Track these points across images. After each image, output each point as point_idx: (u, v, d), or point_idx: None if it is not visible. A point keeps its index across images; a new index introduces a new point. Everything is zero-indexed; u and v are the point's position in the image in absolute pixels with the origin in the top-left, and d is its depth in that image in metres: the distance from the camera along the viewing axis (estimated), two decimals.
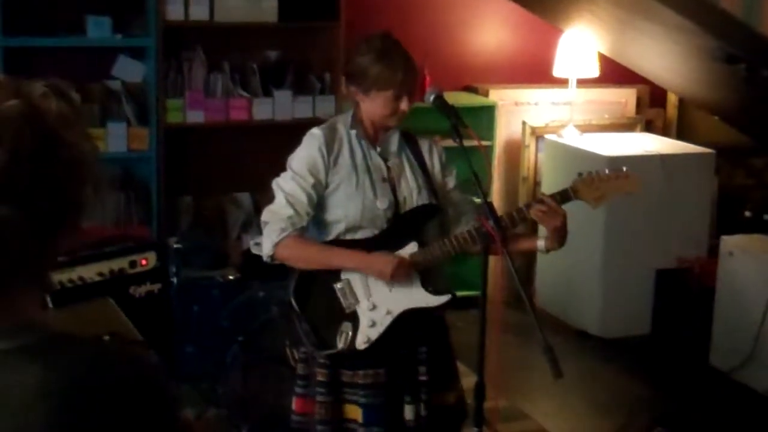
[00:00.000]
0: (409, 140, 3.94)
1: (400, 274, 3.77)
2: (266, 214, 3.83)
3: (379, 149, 3.87)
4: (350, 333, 3.80)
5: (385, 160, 3.87)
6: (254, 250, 3.95)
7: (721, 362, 6.34)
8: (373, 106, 3.78)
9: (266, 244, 3.78)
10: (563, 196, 3.79)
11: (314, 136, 3.83)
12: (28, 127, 1.44)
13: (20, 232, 1.44)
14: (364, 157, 3.84)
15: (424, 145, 3.96)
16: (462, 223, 3.92)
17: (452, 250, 3.79)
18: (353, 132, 3.84)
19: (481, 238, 3.66)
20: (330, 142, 3.81)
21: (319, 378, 3.85)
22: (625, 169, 3.87)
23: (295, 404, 3.98)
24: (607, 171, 3.85)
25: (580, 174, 3.84)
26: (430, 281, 3.86)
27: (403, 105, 3.75)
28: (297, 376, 3.97)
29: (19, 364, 1.44)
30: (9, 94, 1.46)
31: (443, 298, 3.86)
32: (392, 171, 3.87)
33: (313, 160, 3.79)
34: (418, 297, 3.84)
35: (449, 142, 3.95)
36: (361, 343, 3.80)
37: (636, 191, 3.86)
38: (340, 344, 3.79)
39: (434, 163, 3.94)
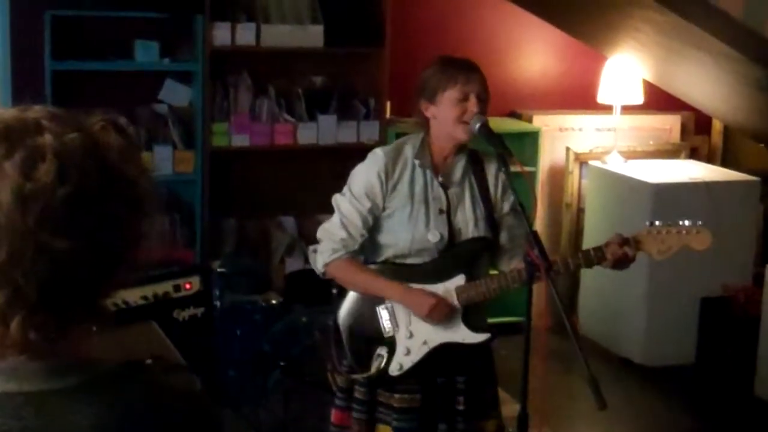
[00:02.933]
0: (476, 163, 3.92)
1: (436, 315, 3.79)
2: (321, 232, 3.90)
3: (441, 178, 3.86)
4: (385, 358, 3.84)
5: (446, 189, 3.86)
6: (310, 258, 4.03)
7: (765, 392, 6.27)
8: (441, 113, 3.79)
9: (318, 262, 3.88)
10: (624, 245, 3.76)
11: (377, 158, 3.85)
12: (91, 161, 1.43)
13: (82, 267, 1.42)
14: (425, 186, 3.83)
15: (490, 169, 3.92)
16: (513, 250, 3.91)
17: (498, 289, 3.80)
18: (417, 162, 3.84)
19: (527, 273, 3.63)
20: (392, 166, 3.82)
21: (357, 395, 3.90)
22: (699, 222, 3.81)
23: (333, 416, 4.02)
24: (679, 222, 3.79)
25: (651, 223, 3.80)
26: (472, 317, 3.87)
27: (471, 105, 3.75)
28: (338, 388, 4.00)
29: (74, 404, 1.42)
30: (69, 127, 1.45)
31: (481, 337, 3.87)
32: (451, 201, 3.86)
33: (371, 184, 3.82)
34: (456, 332, 3.85)
35: None
36: (394, 370, 3.84)
37: (703, 249, 3.80)
38: (373, 369, 3.83)
39: (498, 188, 3.91)
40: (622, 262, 3.75)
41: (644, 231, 3.78)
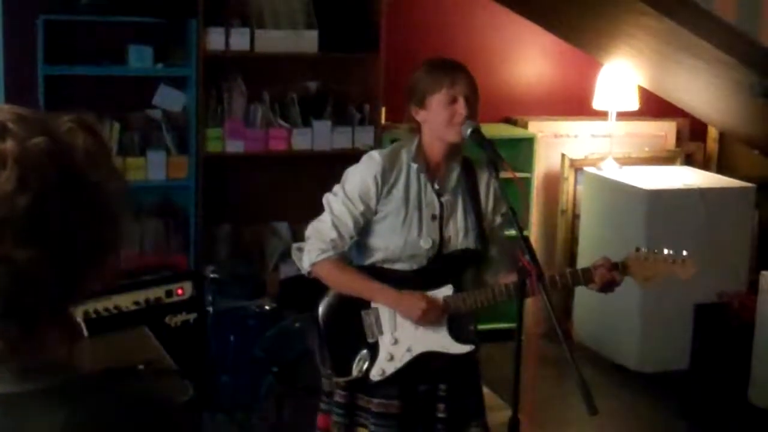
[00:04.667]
0: (469, 172, 3.90)
1: (428, 318, 3.78)
2: (310, 230, 3.87)
3: (437, 186, 3.85)
4: (366, 363, 3.83)
5: (440, 196, 3.85)
6: (294, 256, 4.01)
7: (760, 399, 6.26)
8: (431, 117, 3.78)
9: (305, 260, 3.85)
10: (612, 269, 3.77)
11: (373, 162, 3.82)
12: (54, 167, 1.38)
13: (46, 274, 1.38)
14: (419, 192, 3.82)
15: (482, 179, 3.91)
16: (501, 263, 3.90)
17: (486, 302, 3.79)
18: (414, 166, 3.83)
19: (518, 278, 3.62)
20: (388, 170, 3.81)
21: (337, 399, 3.90)
22: (684, 253, 3.83)
23: (318, 420, 4.02)
24: (665, 251, 3.82)
25: (637, 249, 3.81)
26: (457, 327, 3.86)
27: (460, 108, 3.73)
28: (322, 392, 4.00)
29: (43, 408, 1.39)
30: (35, 130, 1.40)
31: (465, 348, 3.87)
32: (444, 209, 3.84)
33: (366, 187, 3.80)
34: (440, 341, 3.85)
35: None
36: (375, 375, 3.83)
37: (688, 278, 3.82)
38: (355, 372, 3.83)
39: (489, 200, 3.91)
40: (608, 286, 3.76)
41: (632, 256, 3.80)
